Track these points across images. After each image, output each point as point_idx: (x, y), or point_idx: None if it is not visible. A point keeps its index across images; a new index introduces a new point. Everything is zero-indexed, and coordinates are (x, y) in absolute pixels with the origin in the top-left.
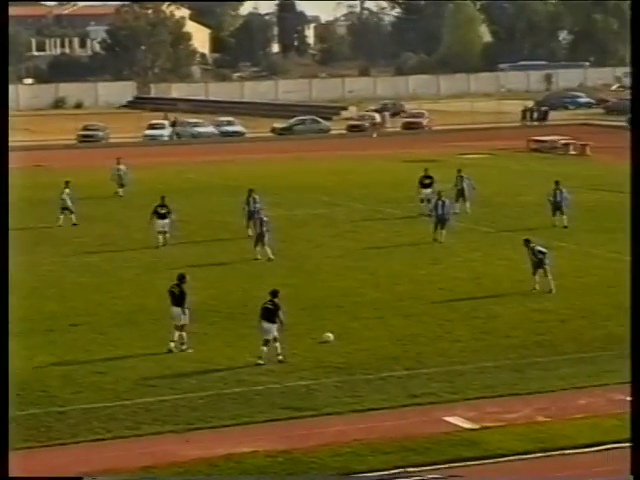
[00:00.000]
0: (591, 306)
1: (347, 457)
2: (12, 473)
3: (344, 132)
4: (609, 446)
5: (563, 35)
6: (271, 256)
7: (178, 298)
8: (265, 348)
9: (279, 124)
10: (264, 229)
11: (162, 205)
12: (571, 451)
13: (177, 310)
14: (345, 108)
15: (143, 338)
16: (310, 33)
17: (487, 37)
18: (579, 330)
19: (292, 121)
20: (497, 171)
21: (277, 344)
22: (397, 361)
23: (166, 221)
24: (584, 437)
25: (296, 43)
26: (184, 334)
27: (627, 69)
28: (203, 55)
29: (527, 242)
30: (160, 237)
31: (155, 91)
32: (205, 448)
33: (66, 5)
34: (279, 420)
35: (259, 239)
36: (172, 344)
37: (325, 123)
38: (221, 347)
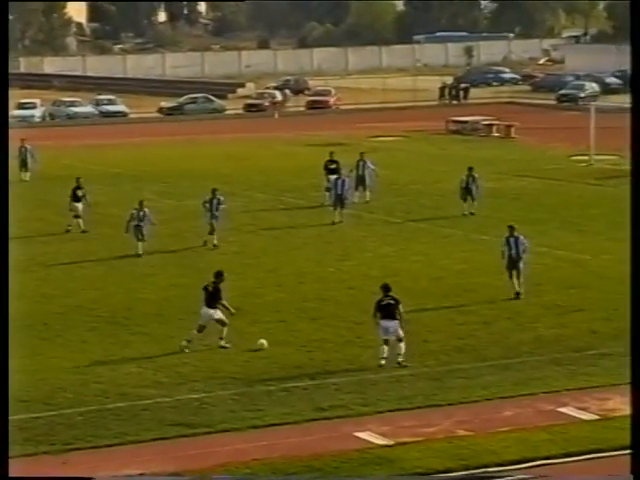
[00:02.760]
0: (517, 306)
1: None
2: (12, 473)
3: (241, 112)
4: (539, 462)
5: (485, 3)
6: (140, 251)
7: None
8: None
9: (167, 103)
10: (144, 222)
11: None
12: (496, 468)
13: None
14: (242, 85)
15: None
16: (202, 1)
17: (400, 5)
18: (504, 333)
19: (182, 100)
20: (412, 155)
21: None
22: (302, 370)
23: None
24: (511, 453)
25: (186, 11)
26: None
27: (555, 41)
28: (80, 25)
29: (511, 229)
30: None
31: (25, 66)
32: (85, 471)
33: None
34: (169, 438)
35: (139, 233)
36: (184, 342)
37: (219, 102)
38: (102, 356)
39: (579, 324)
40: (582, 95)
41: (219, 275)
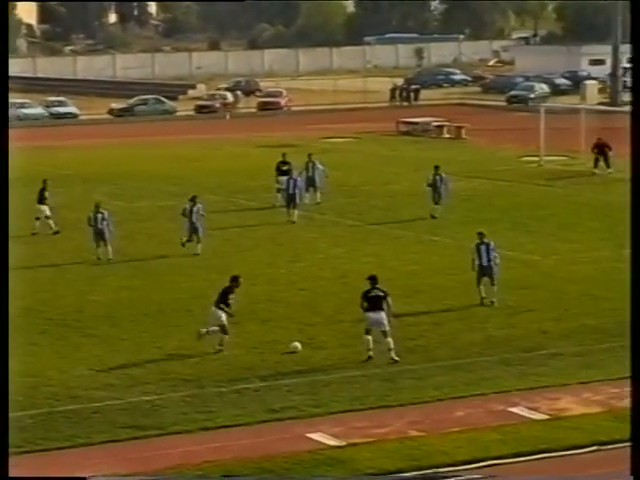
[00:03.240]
0: (468, 306)
1: None
2: (12, 473)
3: (192, 113)
4: (489, 462)
5: (435, 4)
6: (110, 256)
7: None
8: None
9: (118, 104)
10: (105, 225)
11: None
12: (447, 469)
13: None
14: (193, 86)
15: None
16: (152, 2)
17: (351, 7)
18: (455, 334)
19: (133, 101)
20: (363, 157)
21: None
22: (253, 372)
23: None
24: (462, 453)
25: (136, 12)
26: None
27: (505, 42)
28: (30, 26)
29: (481, 235)
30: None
31: None
32: (35, 474)
33: None
34: (120, 441)
35: (99, 236)
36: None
37: (170, 103)
38: (52, 359)
39: (529, 324)
40: (532, 96)
41: (234, 279)
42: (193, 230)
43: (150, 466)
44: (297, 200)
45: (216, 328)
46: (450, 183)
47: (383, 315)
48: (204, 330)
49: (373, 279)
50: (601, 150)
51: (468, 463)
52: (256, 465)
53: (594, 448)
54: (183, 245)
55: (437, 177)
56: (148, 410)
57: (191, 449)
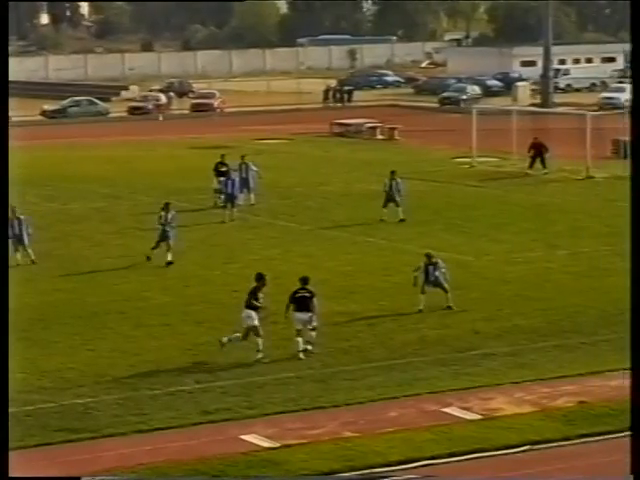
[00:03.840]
0: (402, 307)
1: None
2: (12, 473)
3: (125, 115)
4: (423, 462)
5: (367, 5)
6: (33, 257)
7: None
8: None
9: (50, 106)
10: (22, 229)
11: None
12: (382, 469)
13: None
14: (126, 88)
15: None
16: (84, 2)
17: (284, 8)
18: (389, 334)
19: (65, 102)
20: (297, 158)
21: None
22: (187, 374)
23: None
24: (396, 453)
25: (68, 13)
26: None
27: (437, 44)
28: None
29: (429, 257)
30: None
31: None
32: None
33: None
34: (53, 444)
35: (18, 242)
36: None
37: (103, 105)
38: None
39: (462, 325)
40: (464, 98)
41: (260, 278)
42: (164, 238)
43: (83, 469)
44: (236, 200)
45: (237, 335)
46: (403, 186)
47: (310, 315)
48: (225, 339)
49: (304, 280)
50: (538, 150)
51: (402, 463)
52: (190, 467)
53: (526, 448)
54: (148, 259)
55: (393, 181)
56: (81, 413)
57: (125, 452)
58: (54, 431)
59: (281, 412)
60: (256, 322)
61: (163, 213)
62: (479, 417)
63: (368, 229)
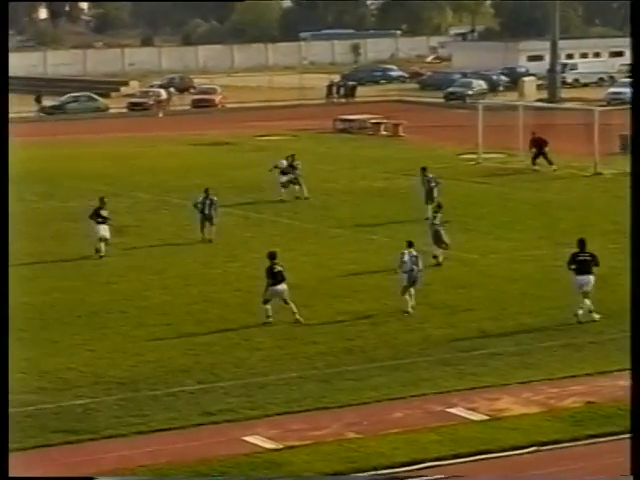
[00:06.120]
0: (405, 306)
1: None
2: (12, 473)
3: (125, 111)
4: (428, 464)
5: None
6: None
7: (277, 275)
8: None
9: (49, 102)
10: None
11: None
12: (386, 471)
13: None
14: (125, 83)
15: None
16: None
17: (286, 2)
18: (393, 334)
19: (64, 98)
20: (300, 155)
21: None
22: (189, 374)
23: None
24: (400, 455)
25: (67, 8)
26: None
27: (442, 38)
28: None
29: (410, 244)
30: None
31: None
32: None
33: None
34: (52, 445)
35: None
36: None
37: (102, 100)
38: None
39: (468, 324)
40: (470, 93)
41: (272, 256)
42: (207, 219)
43: (83, 471)
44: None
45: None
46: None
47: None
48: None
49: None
50: (538, 146)
51: (407, 465)
52: (192, 469)
53: (533, 449)
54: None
55: (426, 178)
56: (81, 414)
57: (125, 453)
58: (53, 432)
59: (284, 413)
60: (287, 294)
61: (201, 198)
62: (485, 418)
63: (371, 226)
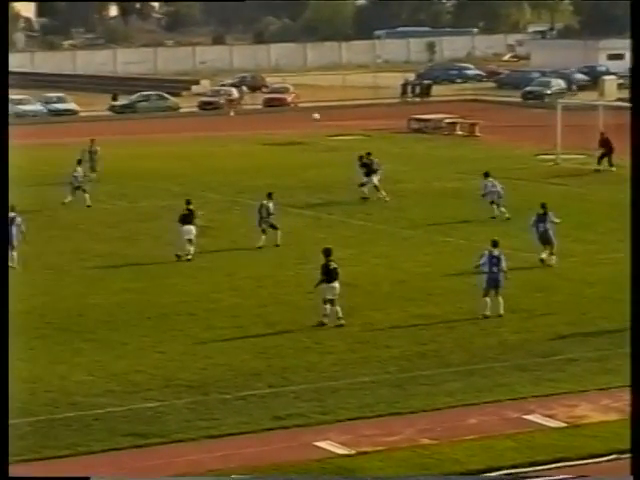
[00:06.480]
0: (481, 310)
1: None
2: (12, 473)
3: (195, 110)
4: (505, 471)
5: None
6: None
7: (331, 272)
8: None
9: (113, 101)
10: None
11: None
12: (461, 477)
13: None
14: (196, 82)
15: None
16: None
17: None
18: (468, 338)
19: (134, 97)
20: (373, 155)
21: None
22: (259, 377)
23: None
24: (475, 462)
25: (138, 5)
26: (338, 308)
27: (520, 36)
28: (28, 20)
29: (495, 243)
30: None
31: None
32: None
33: None
34: (121, 449)
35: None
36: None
37: (173, 99)
38: (52, 364)
39: (545, 328)
40: (548, 92)
41: (329, 252)
42: (266, 223)
43: (152, 475)
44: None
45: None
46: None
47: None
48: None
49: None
50: (606, 146)
51: (482, 472)
52: (262, 474)
53: (613, 457)
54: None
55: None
56: (150, 417)
57: (195, 458)
58: (122, 436)
59: (356, 418)
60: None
61: (265, 202)
62: (563, 425)
63: (446, 228)
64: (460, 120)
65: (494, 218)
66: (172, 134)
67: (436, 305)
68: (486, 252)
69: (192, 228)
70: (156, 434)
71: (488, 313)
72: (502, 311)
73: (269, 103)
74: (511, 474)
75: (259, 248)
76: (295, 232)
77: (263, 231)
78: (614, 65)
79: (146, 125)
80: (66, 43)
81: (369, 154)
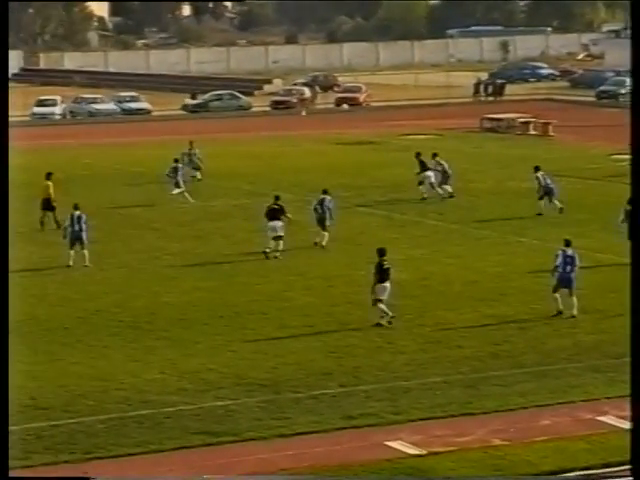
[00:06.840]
0: (553, 311)
1: None
2: (12, 473)
3: (268, 109)
4: (578, 473)
5: None
6: (87, 262)
7: (385, 272)
8: None
9: (192, 100)
10: (80, 227)
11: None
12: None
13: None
14: (269, 81)
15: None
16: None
17: None
18: (541, 338)
19: (207, 96)
20: (446, 154)
21: None
22: (331, 377)
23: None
24: (548, 463)
25: (211, 5)
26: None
27: (595, 35)
28: (101, 19)
29: (567, 243)
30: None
31: (45, 61)
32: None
33: None
34: (193, 447)
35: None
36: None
37: (245, 99)
38: (124, 362)
39: (619, 329)
40: (623, 92)
41: (383, 252)
42: (321, 220)
43: (223, 473)
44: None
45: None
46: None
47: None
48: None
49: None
50: None
51: (555, 473)
52: (333, 474)
53: None
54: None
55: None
56: (221, 416)
57: (266, 456)
58: (193, 434)
59: (428, 418)
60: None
61: (321, 197)
62: None
63: (520, 228)
64: (533, 119)
65: (561, 212)
66: (244, 133)
67: (509, 305)
68: (560, 252)
69: (280, 224)
70: (227, 432)
71: (561, 307)
72: (575, 312)
73: (341, 102)
74: (584, 476)
75: (322, 247)
76: (367, 231)
77: (323, 228)
78: None
79: (218, 124)
80: (139, 42)
81: (435, 155)
